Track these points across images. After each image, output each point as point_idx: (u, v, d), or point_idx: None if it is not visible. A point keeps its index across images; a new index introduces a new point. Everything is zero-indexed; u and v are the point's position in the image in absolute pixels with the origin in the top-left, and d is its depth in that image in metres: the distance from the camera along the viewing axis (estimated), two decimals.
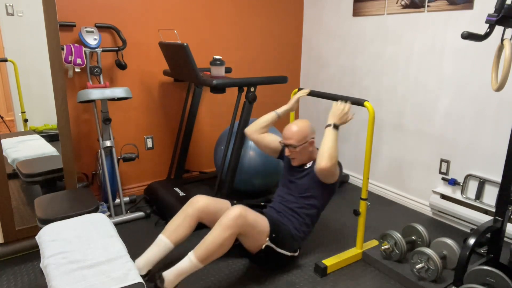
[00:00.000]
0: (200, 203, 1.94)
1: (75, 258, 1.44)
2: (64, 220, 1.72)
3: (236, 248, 1.94)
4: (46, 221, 1.74)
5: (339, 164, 2.06)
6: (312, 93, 2.28)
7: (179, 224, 1.90)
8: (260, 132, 2.24)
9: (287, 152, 2.05)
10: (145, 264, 1.80)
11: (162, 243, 1.86)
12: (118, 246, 1.54)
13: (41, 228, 1.69)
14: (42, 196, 2.00)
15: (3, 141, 2.19)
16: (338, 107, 1.98)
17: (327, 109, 3.49)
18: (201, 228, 2.03)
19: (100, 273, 1.37)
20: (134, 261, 1.61)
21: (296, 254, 2.03)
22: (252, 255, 1.97)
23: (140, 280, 1.36)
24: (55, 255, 1.46)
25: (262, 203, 2.24)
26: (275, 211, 2.08)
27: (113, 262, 1.44)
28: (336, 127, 1.93)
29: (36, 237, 1.63)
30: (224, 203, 2.03)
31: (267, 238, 1.87)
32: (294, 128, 2.02)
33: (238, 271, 2.05)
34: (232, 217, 1.74)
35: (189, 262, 1.72)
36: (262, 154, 2.56)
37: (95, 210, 1.86)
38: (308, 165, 2.09)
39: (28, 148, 2.19)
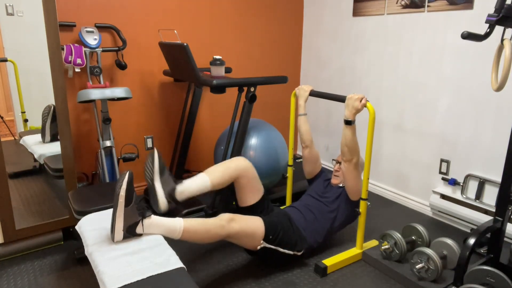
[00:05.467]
0: (242, 164, 2.00)
1: (118, 245, 1.51)
2: (100, 211, 1.80)
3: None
4: (82, 213, 1.83)
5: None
6: (312, 93, 2.29)
7: (220, 171, 1.96)
8: (311, 140, 2.33)
9: (336, 166, 2.27)
10: (183, 190, 1.87)
11: (203, 178, 1.91)
12: (156, 235, 1.61)
13: (78, 219, 1.78)
14: (75, 190, 2.10)
15: (27, 138, 2.30)
16: (349, 97, 1.99)
17: (327, 109, 3.49)
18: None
19: (143, 259, 1.44)
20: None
21: (299, 254, 2.03)
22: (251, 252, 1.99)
23: (181, 265, 1.43)
24: (98, 243, 1.53)
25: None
26: (296, 210, 2.15)
27: (154, 249, 1.50)
28: (347, 122, 1.97)
29: (76, 227, 1.71)
30: (258, 182, 2.08)
31: (262, 240, 1.88)
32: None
33: (237, 272, 2.05)
34: (225, 220, 1.78)
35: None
36: (262, 154, 2.56)
37: None
38: (342, 184, 2.22)
39: (53, 145, 2.28)
